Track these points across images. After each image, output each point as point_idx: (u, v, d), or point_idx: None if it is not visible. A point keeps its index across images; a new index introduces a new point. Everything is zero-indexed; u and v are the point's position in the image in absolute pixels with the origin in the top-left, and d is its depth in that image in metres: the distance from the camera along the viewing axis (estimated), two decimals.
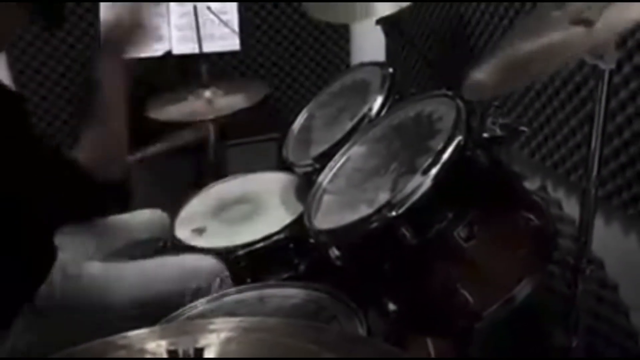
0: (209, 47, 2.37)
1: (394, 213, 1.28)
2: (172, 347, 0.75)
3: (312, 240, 1.49)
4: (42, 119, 2.85)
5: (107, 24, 1.43)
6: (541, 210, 1.43)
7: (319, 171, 1.66)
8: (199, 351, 0.75)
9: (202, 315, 1.38)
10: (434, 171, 1.28)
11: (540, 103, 1.84)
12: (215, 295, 1.45)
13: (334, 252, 1.41)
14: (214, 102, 2.29)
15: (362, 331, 1.24)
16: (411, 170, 1.35)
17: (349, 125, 1.76)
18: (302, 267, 1.70)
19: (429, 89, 1.64)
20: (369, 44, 2.81)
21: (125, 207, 1.49)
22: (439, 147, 1.32)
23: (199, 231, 1.79)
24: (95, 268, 1.57)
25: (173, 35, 2.43)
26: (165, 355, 0.75)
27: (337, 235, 1.40)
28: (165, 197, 1.93)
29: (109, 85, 1.40)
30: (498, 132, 1.35)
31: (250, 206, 1.88)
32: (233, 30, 2.40)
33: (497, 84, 1.27)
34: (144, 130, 2.37)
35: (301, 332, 0.84)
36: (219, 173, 2.33)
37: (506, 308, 1.34)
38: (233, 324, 0.85)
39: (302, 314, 1.34)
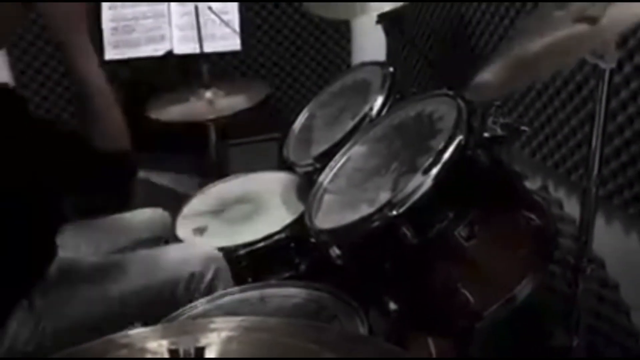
0: (210, 47, 2.37)
1: (394, 212, 1.28)
2: (173, 347, 0.75)
3: (313, 240, 1.49)
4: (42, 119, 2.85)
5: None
6: (542, 210, 1.44)
7: (319, 171, 1.66)
8: (200, 350, 0.75)
9: (203, 315, 1.38)
10: (434, 171, 1.28)
11: (541, 102, 1.84)
12: (216, 294, 1.45)
13: (335, 251, 1.41)
14: (214, 103, 2.29)
15: (363, 330, 1.24)
16: (412, 170, 1.35)
17: (349, 124, 1.76)
18: (303, 267, 1.70)
19: (429, 89, 1.64)
20: (369, 43, 2.81)
21: (130, 181, 1.48)
22: (440, 146, 1.32)
23: (200, 231, 1.79)
24: (90, 262, 1.57)
25: (174, 35, 2.43)
26: (166, 355, 0.75)
27: (338, 234, 1.40)
28: (166, 197, 1.93)
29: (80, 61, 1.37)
30: (499, 131, 1.35)
31: (251, 206, 1.88)
32: (234, 30, 2.40)
33: (502, 85, 1.27)
34: (144, 131, 2.37)
35: (302, 332, 0.84)
36: (220, 173, 2.33)
37: (507, 307, 1.34)
38: (234, 323, 0.85)
39: (303, 313, 1.34)
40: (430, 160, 1.30)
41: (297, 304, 1.38)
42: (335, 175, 1.61)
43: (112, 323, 1.21)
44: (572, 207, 1.75)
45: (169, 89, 2.45)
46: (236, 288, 1.48)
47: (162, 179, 2.73)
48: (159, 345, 0.78)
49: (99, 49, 2.47)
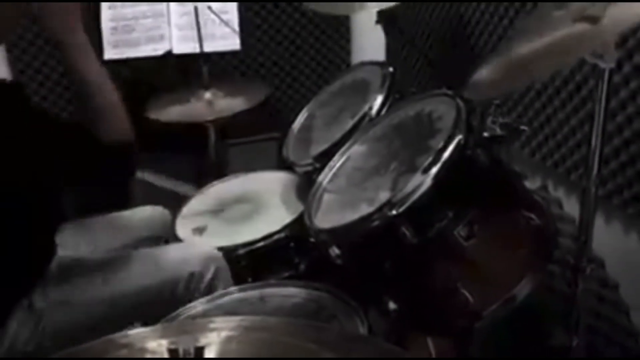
0: (209, 47, 2.37)
1: (394, 212, 1.28)
2: (172, 346, 0.75)
3: (312, 240, 1.49)
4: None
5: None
6: (541, 210, 1.44)
7: (319, 170, 1.66)
8: (200, 350, 0.75)
9: (203, 314, 1.38)
10: (434, 170, 1.28)
11: (540, 102, 1.84)
12: (215, 294, 1.45)
13: (335, 251, 1.41)
14: (214, 104, 2.30)
15: (362, 330, 1.24)
16: (411, 169, 1.35)
17: (349, 124, 1.76)
18: (302, 266, 1.70)
19: (429, 88, 1.64)
20: (369, 43, 2.81)
21: (131, 174, 1.49)
22: (439, 146, 1.32)
23: (200, 230, 1.79)
24: (91, 262, 1.57)
25: (173, 34, 2.43)
26: (165, 354, 0.75)
27: (337, 234, 1.40)
28: (166, 197, 1.93)
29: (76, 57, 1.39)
30: (498, 131, 1.35)
31: (250, 205, 1.88)
32: (233, 30, 2.40)
33: (500, 84, 1.27)
34: (144, 131, 2.37)
35: (302, 331, 0.84)
36: (220, 172, 2.33)
37: (506, 307, 1.34)
38: (233, 323, 0.84)
39: (303, 313, 1.35)
40: (430, 159, 1.30)
41: (296, 304, 1.38)
42: (335, 174, 1.61)
43: (112, 323, 1.21)
44: (571, 207, 1.75)
45: (168, 89, 2.45)
46: (236, 288, 1.48)
47: (161, 178, 2.73)
48: (158, 345, 0.78)
49: (99, 48, 2.47)
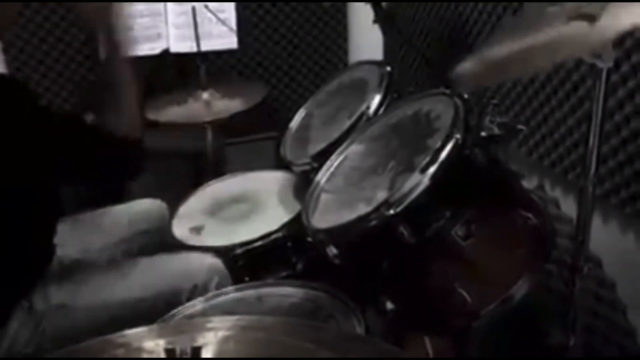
0: (206, 46, 2.37)
1: (392, 211, 1.28)
2: (169, 346, 0.75)
3: (310, 239, 1.49)
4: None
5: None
6: (539, 209, 1.44)
7: (316, 170, 1.66)
8: (197, 350, 0.75)
9: (200, 314, 1.38)
10: (431, 170, 1.28)
11: (538, 101, 1.84)
12: (213, 293, 1.45)
13: (332, 250, 1.41)
14: (211, 104, 2.29)
15: (359, 330, 1.24)
16: (409, 169, 1.34)
17: (347, 123, 1.76)
18: (300, 266, 1.70)
19: (427, 88, 1.64)
20: (366, 42, 2.81)
21: (138, 172, 1.50)
22: (437, 145, 1.32)
23: (197, 230, 1.79)
24: (93, 266, 1.57)
25: (171, 33, 2.42)
26: (163, 354, 0.75)
27: (335, 233, 1.40)
28: (164, 197, 1.93)
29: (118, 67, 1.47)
30: (496, 130, 1.35)
31: (248, 205, 1.88)
32: (231, 29, 2.40)
33: (485, 77, 1.27)
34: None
35: (299, 331, 0.84)
36: (217, 172, 2.33)
37: (504, 307, 1.34)
38: (231, 322, 0.84)
39: (300, 312, 1.34)
40: (428, 159, 1.30)
41: (294, 304, 1.38)
42: (332, 174, 1.61)
43: (111, 329, 1.21)
44: (569, 207, 1.75)
45: (165, 88, 2.45)
46: (233, 287, 1.48)
47: (159, 178, 2.73)
48: (155, 344, 0.78)
49: (96, 47, 2.47)
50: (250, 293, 1.45)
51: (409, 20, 2.47)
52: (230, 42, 2.43)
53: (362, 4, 2.15)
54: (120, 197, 1.87)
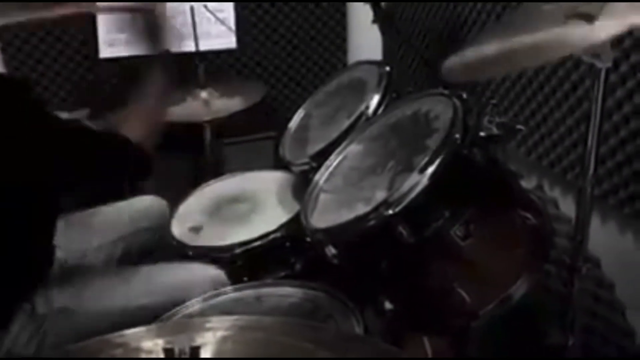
0: (205, 45, 2.37)
1: (390, 211, 1.28)
2: (168, 346, 0.75)
3: (308, 239, 1.49)
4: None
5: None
6: (538, 209, 1.44)
7: (315, 170, 1.66)
8: (195, 350, 0.74)
9: (199, 314, 1.37)
10: (430, 170, 1.28)
11: (536, 102, 1.84)
12: (211, 293, 1.45)
13: (331, 250, 1.41)
14: (210, 104, 2.29)
15: (358, 330, 1.24)
16: (408, 169, 1.34)
17: (345, 123, 1.75)
18: (298, 266, 1.70)
19: (425, 88, 1.64)
20: (365, 42, 2.81)
21: (145, 174, 1.52)
22: (436, 145, 1.32)
23: (196, 230, 1.79)
24: (96, 272, 1.57)
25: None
26: (161, 354, 0.75)
27: (333, 233, 1.40)
28: (162, 196, 1.92)
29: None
30: (495, 130, 1.35)
31: (247, 205, 1.88)
32: (230, 29, 2.40)
33: (474, 71, 1.27)
34: None
35: (297, 331, 0.83)
36: (216, 172, 2.33)
37: (503, 307, 1.34)
38: (229, 322, 0.84)
39: (299, 312, 1.34)
40: (426, 159, 1.30)
41: (292, 303, 1.38)
42: (331, 174, 1.61)
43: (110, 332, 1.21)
44: (567, 207, 1.75)
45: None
46: (231, 287, 1.48)
47: (158, 177, 2.72)
48: (154, 344, 0.78)
49: (94, 47, 2.46)
50: (249, 293, 1.44)
51: (408, 20, 2.48)
52: (229, 41, 2.43)
53: (361, 4, 2.15)
54: (121, 196, 1.87)
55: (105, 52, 2.42)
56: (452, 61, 1.25)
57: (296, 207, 1.70)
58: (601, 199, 1.62)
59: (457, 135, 1.31)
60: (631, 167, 1.56)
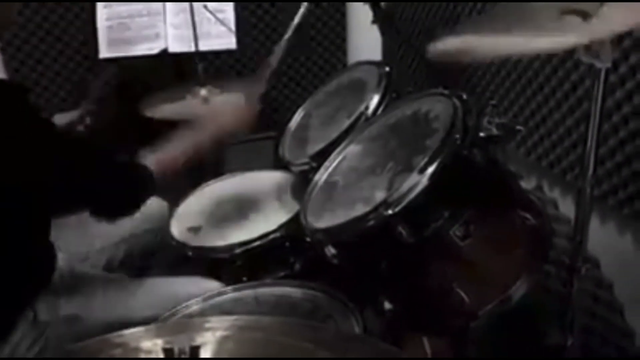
0: (205, 46, 2.37)
1: (390, 212, 1.28)
2: (167, 346, 0.75)
3: (308, 239, 1.49)
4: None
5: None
6: (537, 210, 1.44)
7: (315, 170, 1.66)
8: (195, 349, 0.74)
9: (199, 314, 1.37)
10: (430, 170, 1.28)
11: (536, 102, 1.84)
12: (211, 293, 1.45)
13: (330, 250, 1.41)
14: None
15: (358, 330, 1.24)
16: (408, 169, 1.34)
17: (345, 124, 1.76)
18: (298, 266, 1.70)
19: (425, 88, 1.63)
20: (365, 42, 2.81)
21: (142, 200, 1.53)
22: (436, 146, 1.32)
23: (195, 230, 1.79)
24: (99, 278, 1.56)
25: (169, 33, 2.43)
26: (161, 354, 0.75)
27: (333, 233, 1.40)
28: (162, 196, 1.92)
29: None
30: (494, 131, 1.35)
31: (246, 205, 1.88)
32: (229, 29, 2.40)
33: (462, 56, 1.26)
34: (139, 130, 2.36)
35: (297, 331, 0.84)
36: (216, 171, 2.33)
37: (502, 307, 1.34)
38: (229, 322, 0.84)
39: (298, 312, 1.34)
40: (426, 159, 1.30)
41: (292, 304, 1.38)
42: (331, 174, 1.61)
43: None
44: (567, 207, 1.76)
45: (164, 88, 2.45)
46: (231, 287, 1.48)
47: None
48: (153, 344, 0.78)
49: (94, 47, 2.46)
50: (248, 293, 1.44)
51: (408, 20, 2.48)
52: (228, 42, 2.43)
53: (360, 4, 2.15)
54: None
55: (105, 52, 2.42)
56: (440, 44, 1.25)
57: (296, 207, 1.70)
58: (600, 199, 1.62)
59: (457, 136, 1.31)
60: (630, 167, 1.56)
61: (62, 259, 1.52)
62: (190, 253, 1.71)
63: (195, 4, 2.31)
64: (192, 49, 2.34)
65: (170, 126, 2.22)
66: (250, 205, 1.87)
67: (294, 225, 1.64)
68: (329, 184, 1.57)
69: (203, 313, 1.38)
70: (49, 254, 1.49)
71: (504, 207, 1.40)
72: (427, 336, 1.50)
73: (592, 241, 1.30)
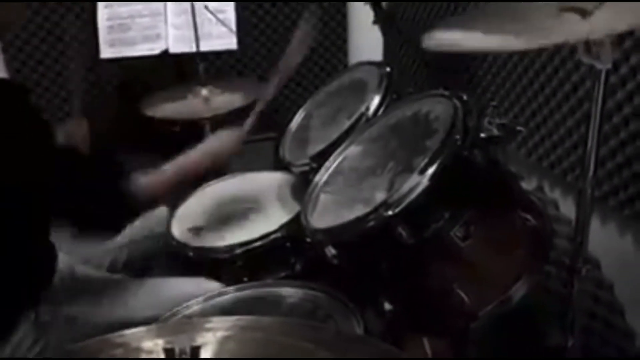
0: (206, 46, 2.37)
1: (390, 212, 1.28)
2: (168, 346, 0.75)
3: (308, 240, 1.49)
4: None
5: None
6: (538, 211, 1.44)
7: (315, 170, 1.66)
8: (196, 349, 0.75)
9: (199, 314, 1.38)
10: (430, 171, 1.28)
11: (537, 103, 1.84)
12: (212, 293, 1.45)
13: (331, 251, 1.41)
14: (210, 101, 2.29)
15: (358, 330, 1.24)
16: (408, 170, 1.35)
17: (346, 124, 1.76)
18: (298, 267, 1.69)
19: (426, 89, 1.64)
20: (366, 43, 2.81)
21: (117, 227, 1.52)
22: (436, 146, 1.32)
23: (196, 230, 1.79)
24: (100, 280, 1.56)
25: (170, 33, 2.43)
26: (161, 354, 0.75)
27: (333, 234, 1.40)
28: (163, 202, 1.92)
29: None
30: (495, 132, 1.35)
31: (247, 205, 1.88)
32: (230, 29, 2.40)
33: (455, 47, 1.27)
34: (139, 129, 2.37)
35: (297, 331, 0.84)
36: (217, 172, 2.33)
37: (502, 308, 1.35)
38: (230, 322, 0.84)
39: (299, 313, 1.34)
40: (426, 160, 1.30)
41: (292, 304, 1.38)
42: (331, 175, 1.61)
43: None
44: (567, 208, 1.76)
45: (164, 88, 2.45)
46: (232, 287, 1.48)
47: None
48: (154, 344, 0.78)
49: (95, 47, 2.47)
50: (249, 293, 1.44)
51: (409, 20, 2.48)
52: (229, 42, 2.43)
53: (361, 4, 2.15)
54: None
55: (106, 52, 2.42)
56: (435, 35, 1.25)
57: (296, 208, 1.70)
58: (601, 200, 1.62)
59: (458, 137, 1.31)
60: (631, 168, 1.56)
61: (62, 260, 1.52)
62: (191, 253, 1.71)
63: (196, 5, 2.31)
64: (193, 49, 2.34)
65: (170, 125, 2.24)
66: (251, 205, 1.87)
67: (294, 226, 1.64)
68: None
69: (204, 313, 1.38)
70: (50, 255, 1.49)
71: (504, 207, 1.40)
72: (428, 337, 1.50)
73: (593, 242, 1.30)
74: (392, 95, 1.77)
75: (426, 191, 1.28)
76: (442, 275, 1.35)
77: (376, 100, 1.76)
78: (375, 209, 1.31)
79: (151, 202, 1.51)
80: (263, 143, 2.84)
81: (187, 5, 2.33)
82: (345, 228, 1.36)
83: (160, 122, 2.24)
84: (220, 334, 0.80)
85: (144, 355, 0.77)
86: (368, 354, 0.80)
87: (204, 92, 2.32)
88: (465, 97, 1.42)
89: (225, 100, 2.29)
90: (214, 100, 2.29)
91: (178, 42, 2.43)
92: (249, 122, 1.80)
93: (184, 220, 1.85)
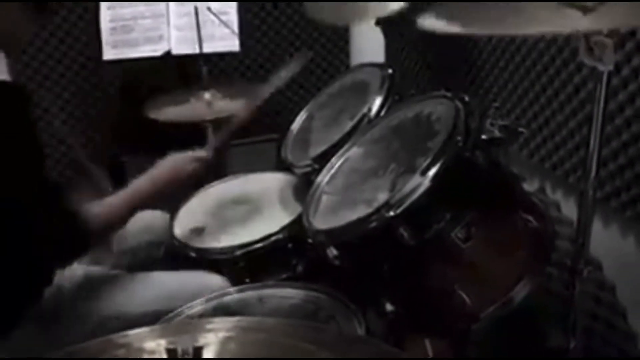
0: (208, 48, 2.38)
1: (392, 213, 1.28)
2: (171, 346, 0.75)
3: (310, 241, 1.49)
4: (41, 119, 2.85)
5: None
6: (540, 212, 1.44)
7: (317, 171, 1.66)
8: (198, 350, 0.75)
9: (202, 315, 1.38)
10: (432, 172, 1.28)
11: (539, 104, 1.84)
12: (214, 294, 1.45)
13: (332, 252, 1.41)
14: (213, 104, 2.30)
15: (360, 331, 1.24)
16: (410, 171, 1.35)
17: (348, 125, 1.76)
18: (300, 268, 1.70)
19: (428, 90, 1.64)
20: (368, 45, 2.82)
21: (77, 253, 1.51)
22: (438, 148, 1.32)
23: (198, 231, 1.79)
24: (103, 277, 1.57)
25: (172, 35, 2.43)
26: (164, 354, 0.75)
27: (335, 235, 1.40)
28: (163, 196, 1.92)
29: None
30: (497, 133, 1.36)
31: (249, 206, 1.88)
32: (233, 31, 2.40)
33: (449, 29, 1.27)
34: (142, 131, 2.37)
35: (299, 332, 0.84)
36: (218, 173, 2.33)
37: (504, 309, 1.34)
38: (232, 323, 0.85)
39: (301, 314, 1.35)
40: (428, 161, 1.30)
41: (294, 305, 1.38)
42: (333, 176, 1.61)
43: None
44: (569, 209, 1.75)
45: (167, 90, 2.45)
46: (234, 289, 1.48)
47: None
48: (157, 344, 0.78)
49: (98, 48, 2.47)
50: (251, 294, 1.45)
51: (411, 22, 2.47)
52: (232, 44, 2.44)
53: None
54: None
55: (108, 53, 2.43)
56: (429, 18, 1.25)
57: (298, 209, 1.70)
58: (603, 201, 1.62)
59: (459, 138, 1.31)
60: (633, 170, 1.56)
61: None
62: (192, 254, 1.72)
63: (198, 6, 2.32)
64: (196, 51, 2.35)
65: (173, 127, 2.24)
66: (253, 207, 1.87)
67: (296, 227, 1.64)
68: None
69: (206, 314, 1.38)
70: (53, 252, 1.49)
71: (506, 209, 1.40)
72: (429, 338, 1.50)
73: (595, 243, 1.30)
74: (394, 97, 1.77)
75: (428, 192, 1.28)
76: (443, 277, 1.35)
77: (378, 101, 1.76)
78: (377, 210, 1.31)
79: (103, 232, 1.48)
80: (265, 144, 2.86)
81: (190, 6, 2.34)
82: (346, 229, 1.36)
83: (163, 124, 2.25)
84: (222, 334, 0.80)
85: (146, 356, 0.77)
86: (369, 355, 0.80)
87: (207, 95, 2.32)
88: (467, 99, 1.42)
89: (227, 104, 2.29)
90: (216, 103, 2.30)
91: (180, 43, 2.43)
92: (214, 142, 1.78)
93: (186, 221, 1.86)
